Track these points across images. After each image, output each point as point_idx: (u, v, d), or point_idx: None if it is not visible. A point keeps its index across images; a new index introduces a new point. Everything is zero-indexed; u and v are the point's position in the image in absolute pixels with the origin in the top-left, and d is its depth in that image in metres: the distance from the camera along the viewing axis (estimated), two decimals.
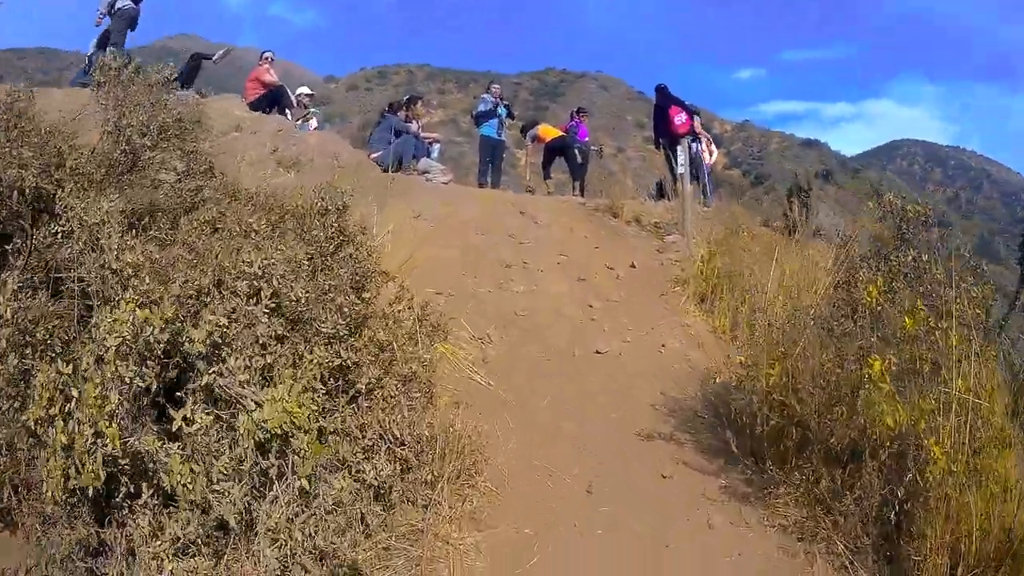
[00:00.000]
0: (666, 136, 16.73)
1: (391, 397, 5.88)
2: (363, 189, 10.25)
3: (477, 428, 6.54)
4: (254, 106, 16.72)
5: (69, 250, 5.35)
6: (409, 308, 6.83)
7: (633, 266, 11.42)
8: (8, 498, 4.79)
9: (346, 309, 5.73)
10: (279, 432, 4.52)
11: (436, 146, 17.90)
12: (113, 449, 4.18)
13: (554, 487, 6.55)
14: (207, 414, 4.56)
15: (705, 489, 6.53)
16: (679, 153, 13.67)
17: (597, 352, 9.00)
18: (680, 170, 13.51)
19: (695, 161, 16.46)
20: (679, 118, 16.66)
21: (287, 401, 4.51)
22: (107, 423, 4.18)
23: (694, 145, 16.92)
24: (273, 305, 5.12)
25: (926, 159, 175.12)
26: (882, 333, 6.31)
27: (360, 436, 5.51)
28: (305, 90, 19.25)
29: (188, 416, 4.49)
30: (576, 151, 19.64)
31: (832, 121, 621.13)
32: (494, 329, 8.95)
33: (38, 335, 4.89)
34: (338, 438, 5.17)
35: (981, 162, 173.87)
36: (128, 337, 4.33)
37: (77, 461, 4.16)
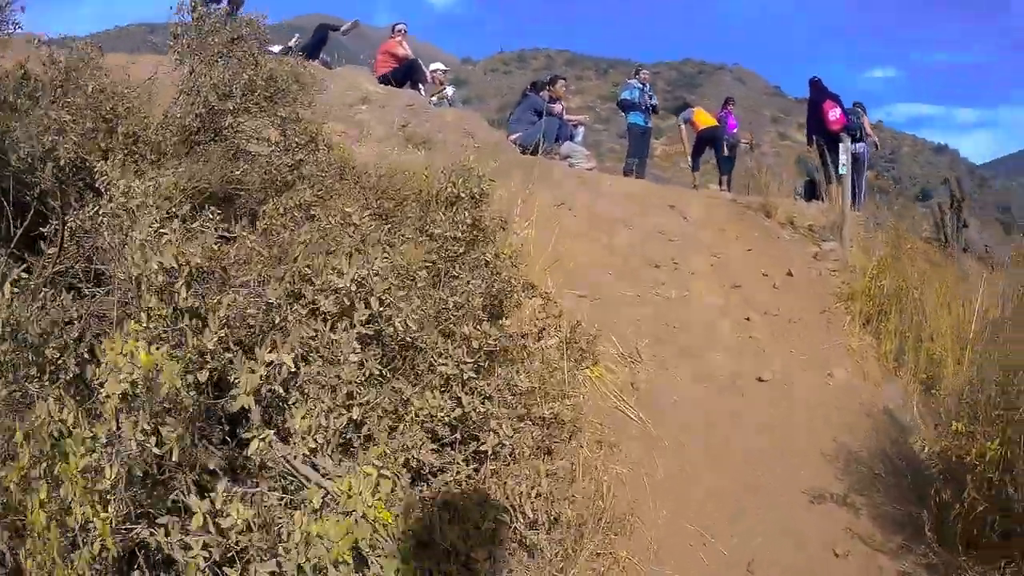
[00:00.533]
0: (820, 133, 15.46)
1: (526, 459, 4.61)
2: (502, 173, 9.57)
3: (622, 478, 5.91)
4: (384, 80, 15.99)
5: (110, 238, 4.13)
6: (557, 328, 5.78)
7: (790, 274, 10.39)
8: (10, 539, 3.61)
9: (476, 342, 4.38)
10: (345, 558, 3.05)
11: (580, 129, 16.69)
12: (103, 544, 2.90)
13: (709, 561, 5.85)
14: (247, 505, 3.14)
15: (882, 574, 5.82)
16: (841, 152, 12.39)
17: (759, 379, 8.09)
18: (842, 171, 12.33)
19: (857, 162, 15.17)
20: (833, 113, 15.54)
21: (368, 502, 3.02)
22: (98, 507, 2.90)
23: (859, 145, 15.77)
24: (370, 333, 3.80)
25: None
26: None
27: (479, 518, 4.10)
28: (440, 66, 18.55)
29: (215, 507, 3.09)
30: (724, 143, 18.54)
31: (963, 127, 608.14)
32: (645, 345, 8.01)
33: (47, 352, 3.53)
34: (447, 516, 3.84)
35: None
36: (140, 382, 2.95)
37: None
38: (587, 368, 6.37)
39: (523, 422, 4.71)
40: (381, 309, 3.80)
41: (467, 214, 5.49)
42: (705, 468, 6.65)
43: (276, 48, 15.10)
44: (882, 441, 7.10)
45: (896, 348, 8.77)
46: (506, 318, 5.43)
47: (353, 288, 3.72)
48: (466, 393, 4.15)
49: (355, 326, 3.70)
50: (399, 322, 3.85)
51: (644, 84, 17.79)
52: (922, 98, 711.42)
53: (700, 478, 6.53)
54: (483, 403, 4.26)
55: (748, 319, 9.10)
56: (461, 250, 5.28)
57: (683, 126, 18.89)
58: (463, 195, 5.59)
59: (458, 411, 4.04)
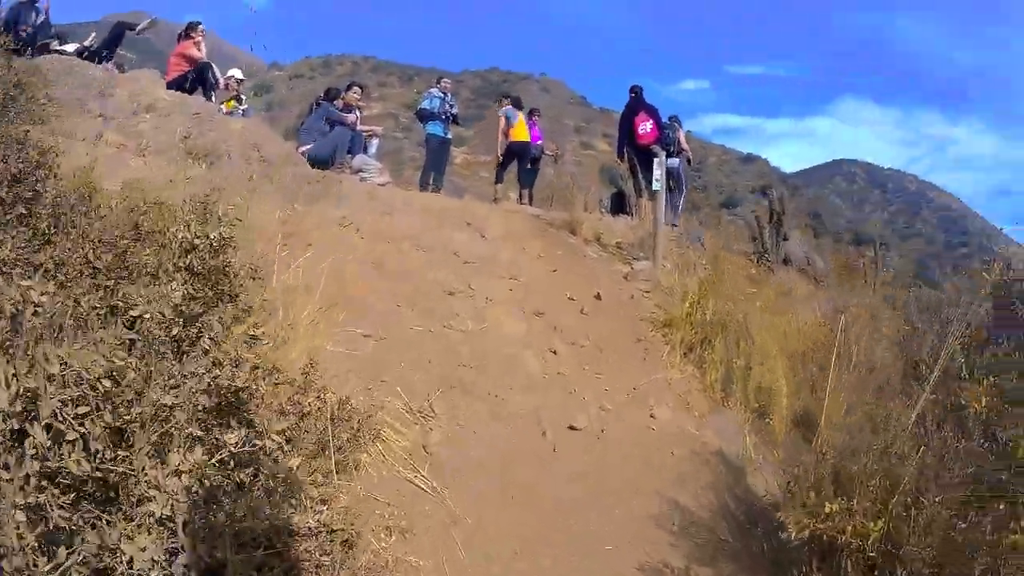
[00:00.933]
0: (631, 145, 15.71)
1: None
2: (284, 189, 9.21)
3: (420, 570, 4.93)
4: (175, 85, 14.66)
5: None
6: (322, 405, 4.89)
7: (599, 297, 9.99)
8: None
9: (187, 478, 3.13)
10: None
11: (375, 141, 16.38)
12: None
13: None
14: None
15: None
16: (656, 167, 11.97)
17: (571, 428, 7.23)
18: (655, 186, 12.05)
19: (671, 177, 15.03)
20: (643, 127, 15.74)
21: None
22: None
23: (672, 160, 15.57)
24: (49, 471, 2.76)
25: (867, 180, 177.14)
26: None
27: None
28: (237, 73, 17.63)
29: None
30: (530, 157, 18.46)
31: (774, 137, 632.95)
32: (437, 395, 6.97)
33: None
34: None
35: (921, 186, 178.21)
36: None
37: None
38: (366, 447, 5.53)
39: (279, 535, 3.78)
40: (56, 436, 2.80)
41: (211, 264, 4.51)
42: (516, 547, 5.59)
43: (71, 48, 14.17)
44: (721, 495, 6.49)
45: (723, 377, 8.33)
46: (249, 416, 4.38)
47: (18, 409, 2.68)
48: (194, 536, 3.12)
49: (25, 461, 2.66)
50: (73, 460, 2.80)
51: (445, 93, 17.69)
52: (734, 109, 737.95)
53: (510, 561, 5.46)
54: (219, 551, 3.21)
55: (555, 352, 8.43)
56: (198, 311, 4.14)
57: (503, 121, 18.33)
58: (199, 242, 4.53)
59: (184, 557, 3.02)
